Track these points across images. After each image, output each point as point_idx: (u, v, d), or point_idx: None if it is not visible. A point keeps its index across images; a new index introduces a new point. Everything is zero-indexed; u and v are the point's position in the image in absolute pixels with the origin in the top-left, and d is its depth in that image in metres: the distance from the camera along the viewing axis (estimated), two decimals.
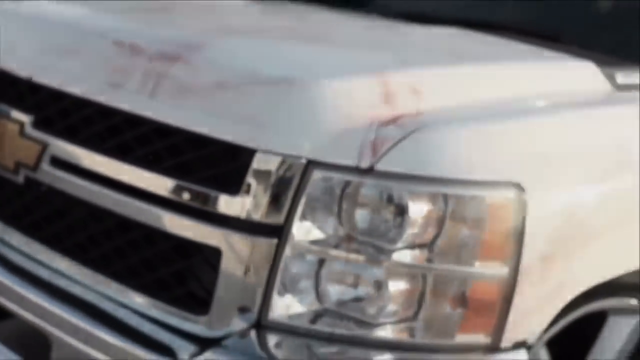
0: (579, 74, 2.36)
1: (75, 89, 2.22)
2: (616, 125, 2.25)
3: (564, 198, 2.03)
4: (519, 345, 2.02)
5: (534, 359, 2.15)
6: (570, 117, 2.16)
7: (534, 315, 2.02)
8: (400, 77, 2.02)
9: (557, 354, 2.34)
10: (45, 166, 2.25)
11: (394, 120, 1.93)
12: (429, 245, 1.92)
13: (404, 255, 1.92)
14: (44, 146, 2.24)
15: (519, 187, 1.93)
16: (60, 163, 2.23)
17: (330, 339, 1.95)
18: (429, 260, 1.92)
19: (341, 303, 1.95)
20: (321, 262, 1.94)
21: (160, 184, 2.03)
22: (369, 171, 1.88)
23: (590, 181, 2.09)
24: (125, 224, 2.10)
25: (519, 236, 1.93)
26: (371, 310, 1.94)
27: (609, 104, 2.31)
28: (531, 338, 2.04)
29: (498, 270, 1.94)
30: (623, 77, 2.44)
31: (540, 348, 2.20)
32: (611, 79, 2.41)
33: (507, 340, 2.00)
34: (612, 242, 2.14)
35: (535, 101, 2.15)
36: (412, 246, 1.92)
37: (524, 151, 2.00)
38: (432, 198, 1.90)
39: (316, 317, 1.96)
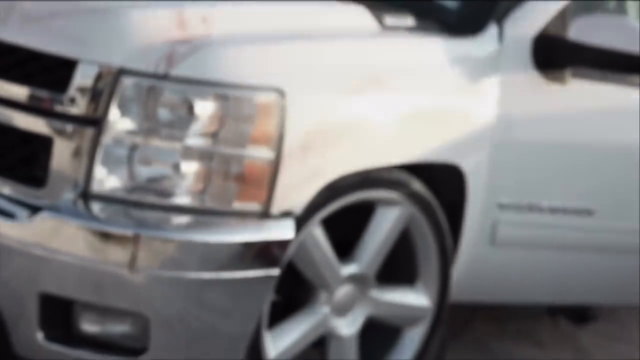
0: (351, 16, 3.02)
1: None
2: (371, 52, 2.91)
3: (321, 102, 2.69)
4: (286, 214, 2.67)
5: (309, 233, 2.80)
6: (331, 43, 2.81)
7: (296, 191, 2.67)
8: (193, 10, 2.67)
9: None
10: None
11: (185, 40, 2.57)
12: (213, 135, 2.56)
13: (194, 142, 2.56)
14: None
15: (281, 91, 2.59)
16: None
17: (140, 205, 2.58)
18: (213, 145, 2.56)
19: (149, 179, 2.58)
20: (132, 148, 2.57)
21: (12, 90, 2.66)
22: (165, 77, 2.52)
23: (344, 92, 2.75)
24: None
25: (281, 129, 2.59)
26: (170, 184, 2.58)
27: (371, 37, 2.98)
28: (296, 209, 2.68)
29: (266, 153, 2.59)
30: (391, 20, 3.10)
31: (314, 225, 2.84)
32: (380, 19, 3.07)
33: (275, 209, 2.65)
34: (359, 141, 2.80)
35: (306, 31, 2.80)
36: (200, 135, 2.56)
37: (288, 65, 2.66)
38: (215, 98, 2.55)
39: (130, 190, 2.59)
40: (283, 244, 2.64)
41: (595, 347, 4.44)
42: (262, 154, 2.58)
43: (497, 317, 4.53)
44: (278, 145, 2.58)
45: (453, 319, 3.70)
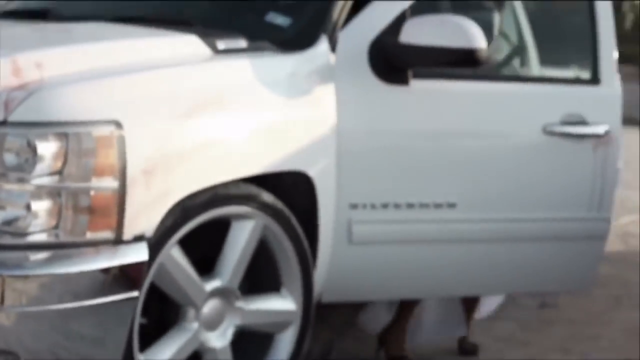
0: (182, 45, 3.19)
1: None
2: (204, 76, 3.09)
3: (157, 128, 2.84)
4: (138, 238, 2.81)
5: (167, 254, 2.95)
6: (162, 72, 2.98)
7: (145, 215, 2.81)
8: (26, 56, 2.80)
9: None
10: None
11: (21, 87, 2.71)
12: (58, 172, 2.70)
13: (41, 182, 2.69)
14: None
15: (117, 123, 2.74)
16: None
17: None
18: (60, 182, 2.70)
19: (4, 222, 2.70)
20: None
21: None
22: (4, 123, 2.65)
23: (179, 117, 2.91)
24: None
25: (122, 158, 2.74)
26: (25, 224, 2.70)
27: (203, 62, 3.15)
28: (148, 232, 2.83)
29: (110, 183, 2.73)
30: (223, 44, 3.28)
31: (171, 247, 2.99)
32: (213, 45, 3.24)
33: (128, 234, 2.79)
34: (202, 160, 2.96)
35: (139, 63, 2.96)
36: (47, 175, 2.69)
37: (122, 97, 2.81)
38: (55, 137, 2.68)
39: None
40: (138, 266, 2.78)
41: None
42: (107, 184, 2.72)
43: None
44: (121, 174, 2.73)
45: None
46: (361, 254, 3.61)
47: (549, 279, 4.16)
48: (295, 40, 3.47)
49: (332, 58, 3.45)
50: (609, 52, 4.17)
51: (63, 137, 2.68)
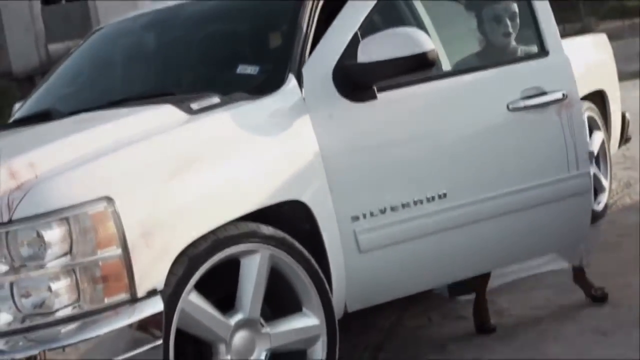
0: (157, 114, 3.57)
1: None
2: (181, 138, 3.45)
3: (146, 194, 3.21)
4: (151, 292, 3.18)
5: (185, 300, 3.31)
6: (143, 144, 3.35)
7: (153, 271, 3.18)
8: (20, 160, 3.21)
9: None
10: None
11: (18, 187, 3.11)
12: (69, 252, 3.09)
13: (56, 264, 3.08)
14: None
15: (109, 198, 3.12)
16: None
17: (34, 328, 3.09)
18: (72, 260, 3.09)
19: (33, 306, 3.10)
20: (10, 286, 3.10)
21: None
22: (10, 222, 3.05)
23: (165, 179, 3.28)
24: None
25: (120, 227, 3.11)
26: (50, 303, 3.09)
27: (180, 126, 3.52)
28: (159, 285, 3.20)
29: (115, 251, 3.11)
30: (197, 105, 3.66)
31: (188, 293, 3.35)
32: (187, 109, 3.62)
33: (141, 292, 3.16)
34: (195, 211, 3.32)
35: (120, 141, 3.34)
36: (59, 256, 3.09)
37: (109, 174, 3.18)
38: (58, 223, 3.07)
39: (21, 319, 3.10)
40: (156, 317, 3.15)
41: None
42: (111, 253, 3.10)
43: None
44: (122, 241, 3.11)
45: None
46: (373, 260, 3.94)
47: (547, 242, 4.45)
48: (266, 85, 3.86)
49: (301, 92, 3.80)
50: (549, 25, 4.48)
51: (64, 221, 3.06)
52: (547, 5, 4.49)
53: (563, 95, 4.35)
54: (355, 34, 3.96)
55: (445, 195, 4.03)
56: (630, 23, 25.78)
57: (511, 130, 4.22)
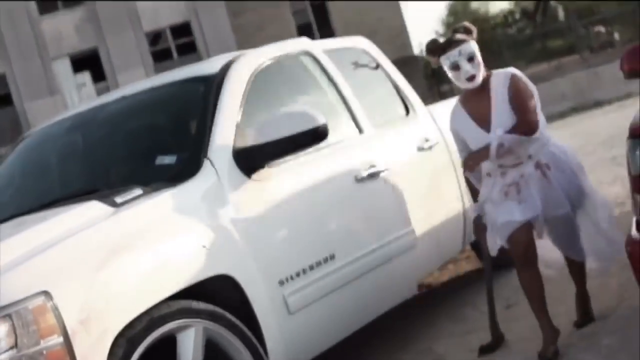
0: (85, 211, 3.88)
1: None
2: (109, 229, 3.76)
3: (79, 284, 3.49)
4: None
5: None
6: (71, 240, 3.64)
7: (94, 354, 3.46)
8: None
9: None
10: None
11: None
12: (15, 345, 3.36)
13: (5, 358, 3.35)
14: None
15: (46, 292, 3.41)
16: None
17: None
18: (18, 353, 3.36)
19: None
20: None
21: None
22: None
23: (94, 269, 3.56)
24: None
25: (59, 317, 3.40)
26: None
27: (106, 219, 3.83)
28: None
29: (57, 340, 3.39)
30: (120, 198, 3.98)
31: None
32: (112, 202, 3.94)
33: None
34: (125, 295, 3.61)
35: (52, 240, 3.64)
36: (6, 350, 3.35)
37: (45, 271, 3.48)
38: (2, 319, 3.34)
39: None
40: None
41: None
42: (54, 341, 3.37)
43: None
44: (63, 330, 3.38)
45: None
46: (302, 318, 4.29)
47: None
48: (184, 171, 4.20)
49: (216, 174, 4.15)
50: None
51: (8, 318, 3.34)
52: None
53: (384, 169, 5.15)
54: (241, 120, 4.45)
55: (334, 256, 4.59)
56: (556, 64, 26.63)
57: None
